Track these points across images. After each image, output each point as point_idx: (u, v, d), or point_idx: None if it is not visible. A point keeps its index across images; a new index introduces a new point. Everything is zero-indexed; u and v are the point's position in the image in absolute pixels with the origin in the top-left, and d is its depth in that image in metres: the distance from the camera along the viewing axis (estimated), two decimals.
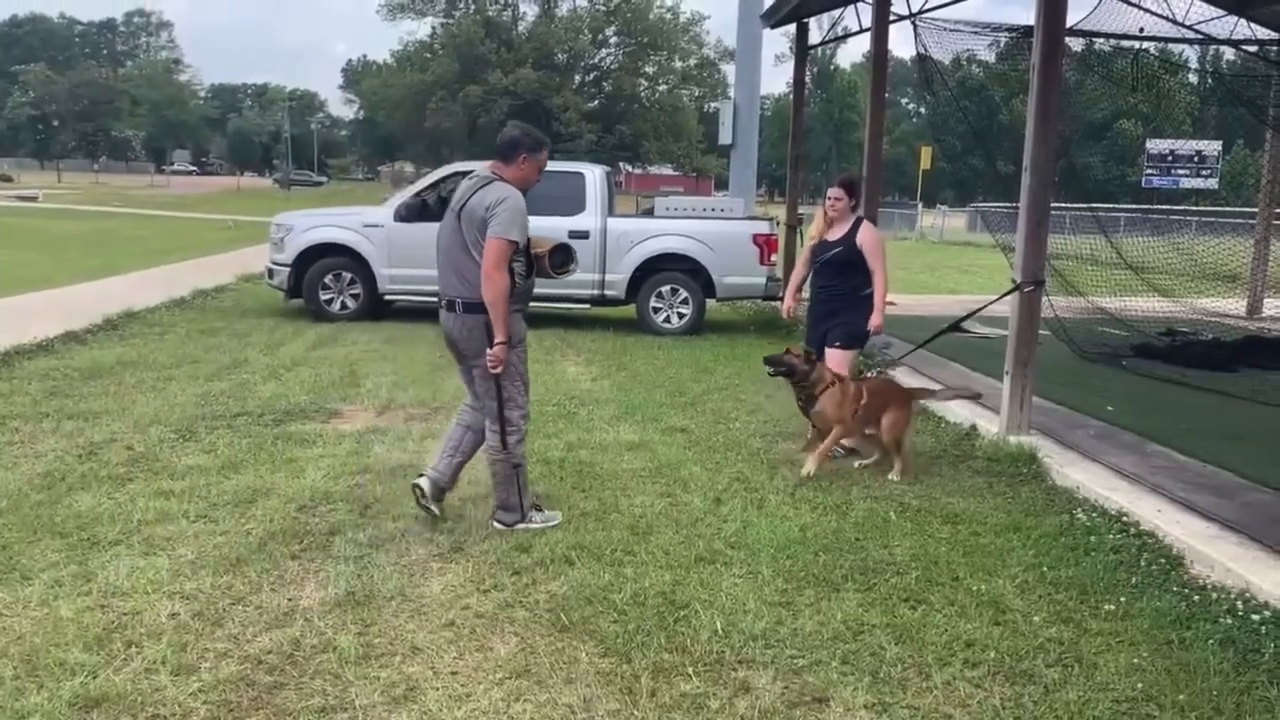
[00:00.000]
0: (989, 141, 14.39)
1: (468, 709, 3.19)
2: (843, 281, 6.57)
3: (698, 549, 4.58)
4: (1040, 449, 6.25)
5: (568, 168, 11.99)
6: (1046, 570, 4.48)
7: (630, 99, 70.63)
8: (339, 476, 5.53)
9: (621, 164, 77.64)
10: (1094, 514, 5.23)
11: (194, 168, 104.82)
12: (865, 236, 6.51)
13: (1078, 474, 5.79)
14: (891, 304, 8.75)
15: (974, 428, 7.03)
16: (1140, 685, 3.45)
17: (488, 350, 4.51)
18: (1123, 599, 4.16)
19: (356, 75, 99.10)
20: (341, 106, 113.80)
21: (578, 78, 71.63)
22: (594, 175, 11.65)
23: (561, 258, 4.92)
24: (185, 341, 9.83)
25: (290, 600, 3.95)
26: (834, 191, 6.65)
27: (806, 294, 7.05)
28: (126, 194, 52.47)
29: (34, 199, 42.98)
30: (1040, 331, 10.63)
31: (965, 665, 3.58)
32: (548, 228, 11.28)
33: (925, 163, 45.72)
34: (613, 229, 11.51)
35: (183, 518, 4.79)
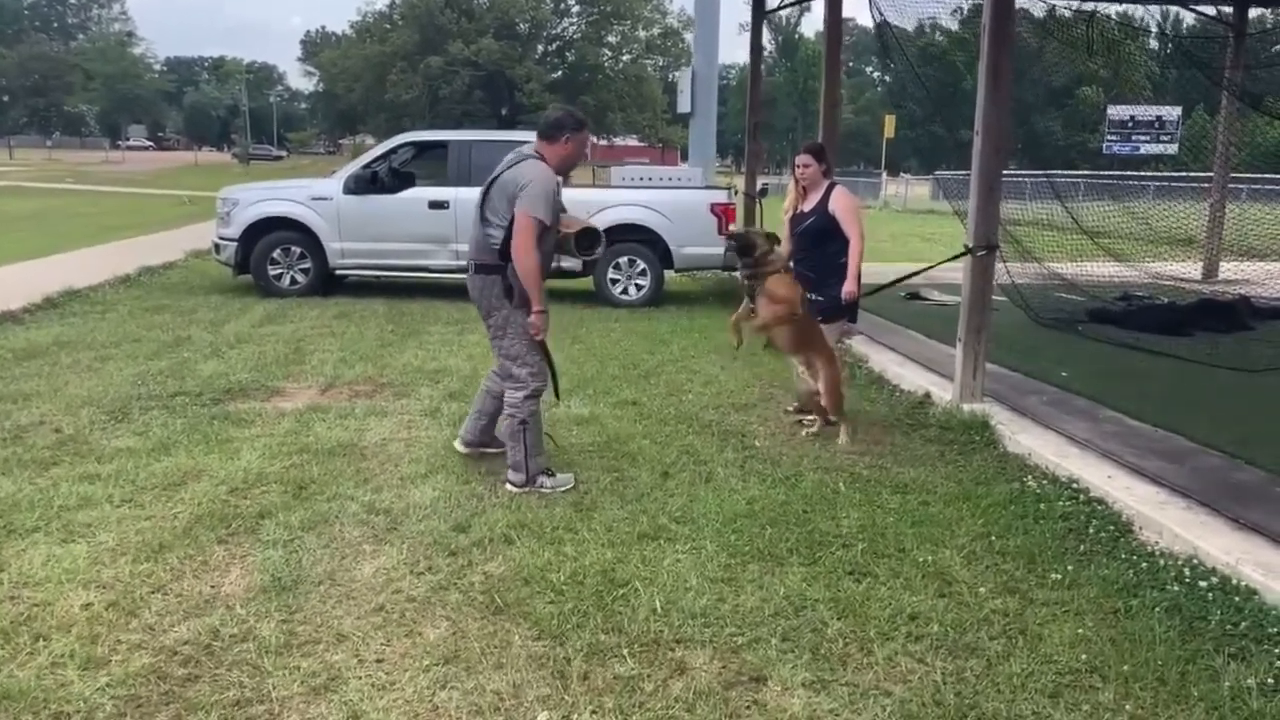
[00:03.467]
0: (951, 108, 14.28)
1: (390, 698, 3.07)
2: (820, 251, 6.40)
3: (641, 525, 4.47)
4: (993, 416, 6.19)
5: (519, 137, 11.74)
6: (995, 539, 4.41)
7: (594, 69, 70.03)
8: (275, 457, 5.36)
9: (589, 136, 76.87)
10: (1044, 481, 5.17)
11: (150, 143, 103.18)
12: (838, 201, 6.36)
13: (1029, 441, 5.73)
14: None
15: (928, 395, 6.96)
16: (1085, 656, 3.39)
17: (523, 319, 4.88)
18: (1070, 567, 4.10)
19: (315, 47, 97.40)
20: (301, 79, 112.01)
21: (540, 48, 70.89)
22: None
23: (588, 240, 5.16)
24: (127, 320, 9.57)
25: (213, 587, 3.80)
26: (802, 159, 6.52)
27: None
28: (80, 170, 51.41)
29: None
30: (997, 298, 10.63)
31: (908, 639, 3.50)
32: None
33: (889, 131, 45.73)
34: (568, 199, 11.19)
35: (107, 502, 4.61)
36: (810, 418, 6.27)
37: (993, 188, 6.34)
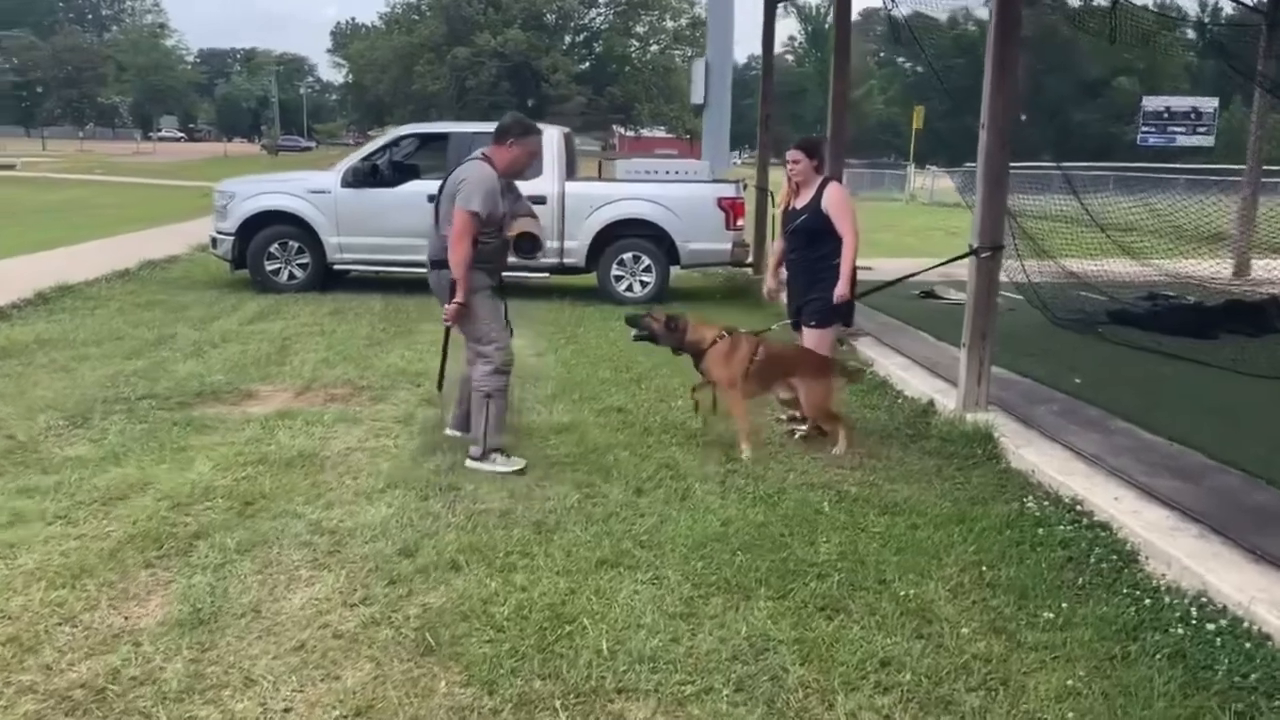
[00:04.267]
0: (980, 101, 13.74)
1: None
2: (813, 250, 6.06)
3: (603, 550, 4.15)
4: (997, 428, 5.81)
5: None
6: (985, 570, 4.05)
7: (621, 60, 69.79)
8: (229, 468, 5.08)
9: (615, 127, 76.79)
10: (1046, 502, 4.79)
11: (182, 134, 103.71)
12: (831, 198, 6.00)
13: (1034, 456, 5.35)
14: (867, 268, 8.28)
15: (931, 404, 6.59)
16: (1072, 714, 3.03)
17: (474, 303, 5.12)
18: (1065, 604, 3.74)
19: (345, 39, 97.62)
20: (331, 71, 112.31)
21: (567, 38, 70.65)
22: (551, 137, 11.09)
23: (528, 245, 5.31)
24: (115, 316, 9.35)
25: (126, 619, 3.52)
26: (791, 154, 6.14)
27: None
28: (110, 161, 51.70)
29: (11, 167, 42.29)
30: (1013, 296, 10.22)
31: (876, 690, 3.15)
32: None
33: (918, 122, 44.96)
34: (571, 193, 11.00)
35: (39, 519, 4.34)
36: (802, 427, 5.93)
37: (999, 183, 5.95)
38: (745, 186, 11.70)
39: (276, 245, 11.18)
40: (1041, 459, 5.30)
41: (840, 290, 5.92)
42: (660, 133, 76.44)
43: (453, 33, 63.66)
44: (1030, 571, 4.03)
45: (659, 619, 3.56)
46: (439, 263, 5.17)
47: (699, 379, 5.82)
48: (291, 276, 11.23)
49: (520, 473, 5.11)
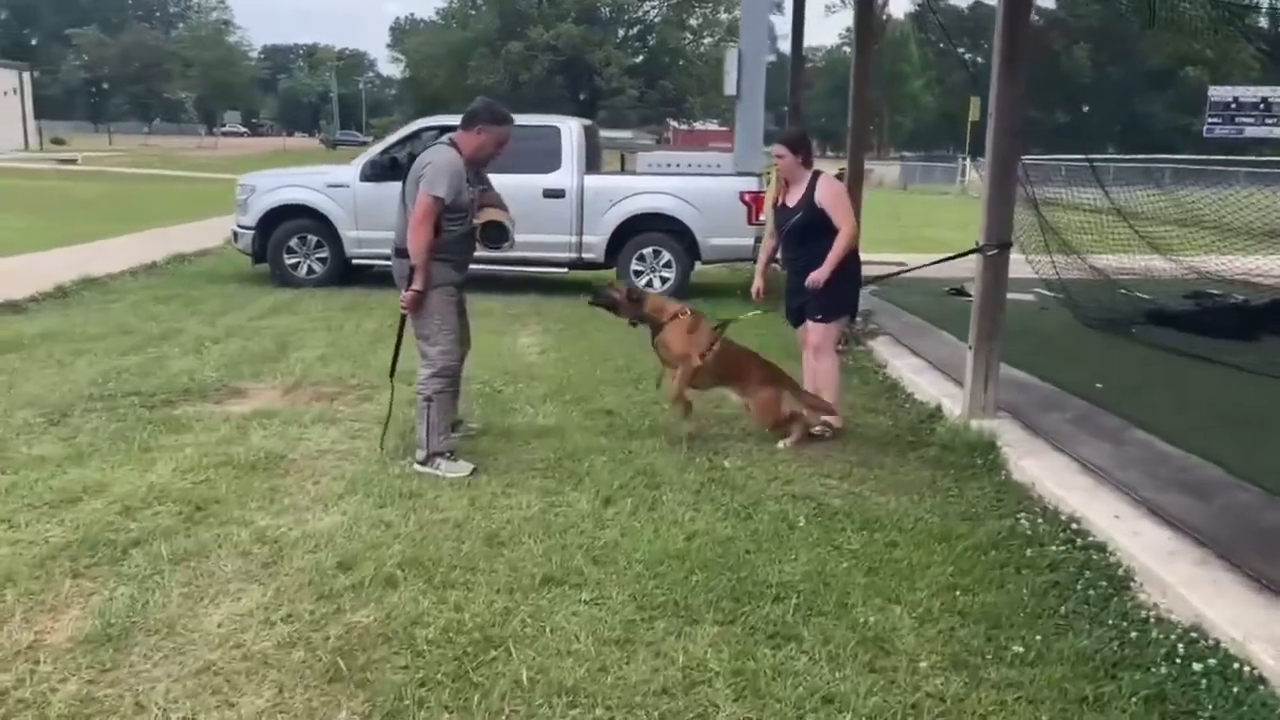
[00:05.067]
0: (1046, 91, 13.37)
1: None
2: (809, 248, 5.73)
3: (551, 566, 3.91)
4: (1002, 436, 5.47)
5: (542, 121, 11.23)
6: (960, 595, 3.74)
7: (674, 53, 69.28)
8: (190, 471, 4.93)
9: (668, 120, 76.47)
10: (1040, 519, 4.46)
11: (244, 129, 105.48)
12: (824, 192, 5.70)
13: (1036, 467, 5.01)
14: (900, 264, 7.95)
15: (938, 409, 6.25)
16: None
17: (434, 299, 4.98)
18: (1039, 637, 3.41)
19: (403, 34, 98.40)
20: (389, 66, 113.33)
21: (621, 32, 70.36)
22: (570, 129, 10.91)
23: (495, 234, 5.13)
24: (128, 311, 9.33)
25: (37, 634, 3.36)
26: (776, 148, 5.90)
27: None
28: (172, 156, 52.67)
29: (73, 161, 43.22)
30: (1044, 293, 9.79)
31: None
32: (521, 186, 10.64)
33: (973, 114, 44.02)
34: (590, 187, 10.78)
35: None
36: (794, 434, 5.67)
37: (1007, 177, 5.60)
38: (769, 180, 11.36)
39: (296, 239, 11.12)
40: (1044, 471, 4.96)
41: (818, 275, 5.58)
42: (713, 125, 75.88)
43: (506, 27, 63.69)
44: (1009, 598, 3.72)
45: (592, 645, 3.32)
46: (402, 250, 5.02)
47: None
48: (310, 271, 11.17)
49: (473, 475, 4.94)
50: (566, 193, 10.66)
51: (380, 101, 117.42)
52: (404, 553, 4.00)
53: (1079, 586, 3.80)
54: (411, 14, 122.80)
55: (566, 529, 4.31)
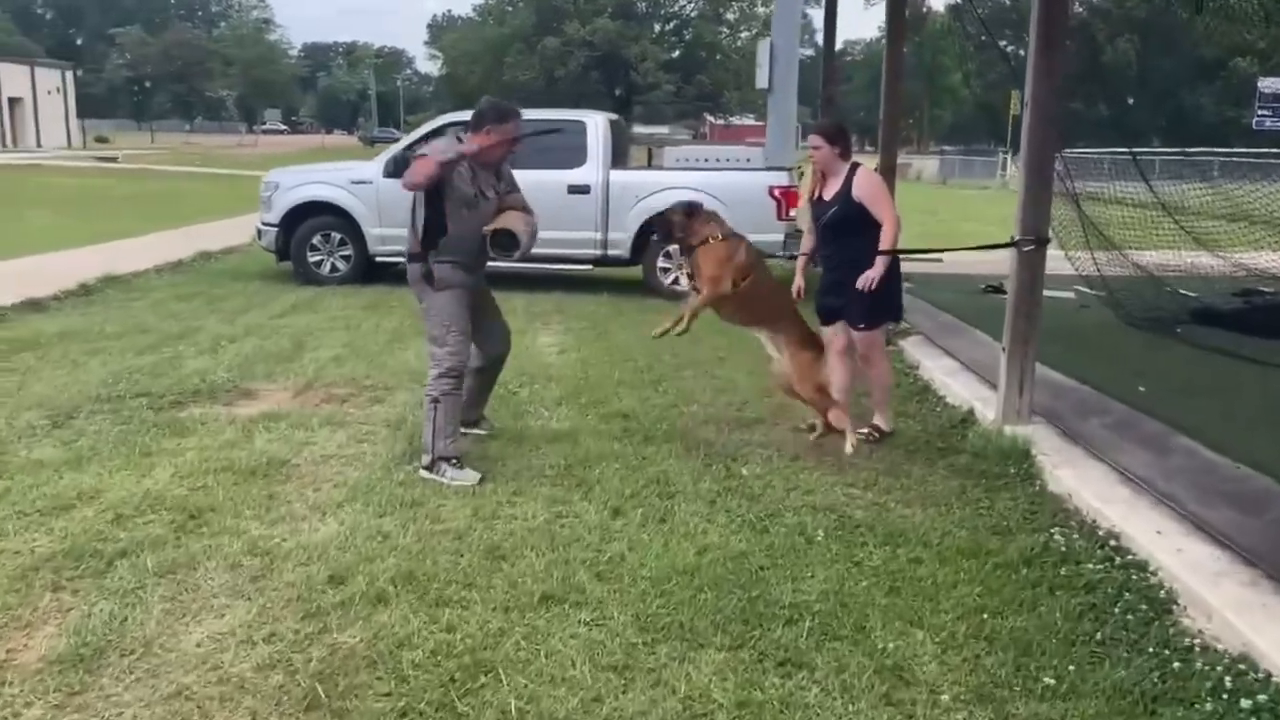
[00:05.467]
0: (1091, 83, 13.12)
1: None
2: (846, 244, 5.46)
3: (551, 583, 3.70)
4: (1037, 443, 5.19)
5: (567, 116, 11.04)
6: (987, 618, 3.48)
7: (711, 48, 68.93)
8: (189, 476, 4.78)
9: (705, 115, 76.13)
10: (1077, 535, 4.19)
11: (284, 127, 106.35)
12: (862, 184, 5.39)
13: (1073, 478, 4.73)
14: (937, 259, 7.67)
15: (971, 413, 5.98)
16: None
17: (440, 302, 4.94)
18: (1073, 667, 3.15)
19: (440, 31, 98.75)
20: (427, 63, 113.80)
21: (657, 27, 70.09)
22: (596, 124, 10.69)
23: (506, 241, 4.93)
24: (148, 310, 9.25)
25: (7, 654, 3.19)
26: (812, 139, 5.59)
27: None
28: (212, 154, 53.11)
29: (114, 159, 43.71)
30: (1084, 290, 9.43)
31: None
32: (545, 182, 10.46)
33: (1014, 108, 43.29)
34: (615, 183, 10.56)
35: None
36: (814, 424, 5.46)
37: (1044, 169, 5.31)
38: (800, 174, 11.09)
39: (319, 237, 11.01)
40: (1081, 481, 4.68)
41: (870, 274, 5.28)
42: (750, 120, 75.41)
43: (542, 23, 63.73)
44: (1041, 622, 3.46)
45: (588, 671, 3.10)
46: (414, 255, 4.97)
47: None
48: (334, 269, 11.06)
49: (479, 484, 4.76)
50: (591, 188, 10.46)
51: (418, 98, 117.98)
52: (399, 566, 3.81)
53: (1117, 610, 3.53)
54: (449, 11, 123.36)
55: (571, 542, 4.10)
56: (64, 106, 60.83)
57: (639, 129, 72.71)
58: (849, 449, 5.30)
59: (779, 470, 5.04)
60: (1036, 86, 5.20)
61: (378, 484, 4.72)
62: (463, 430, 5.20)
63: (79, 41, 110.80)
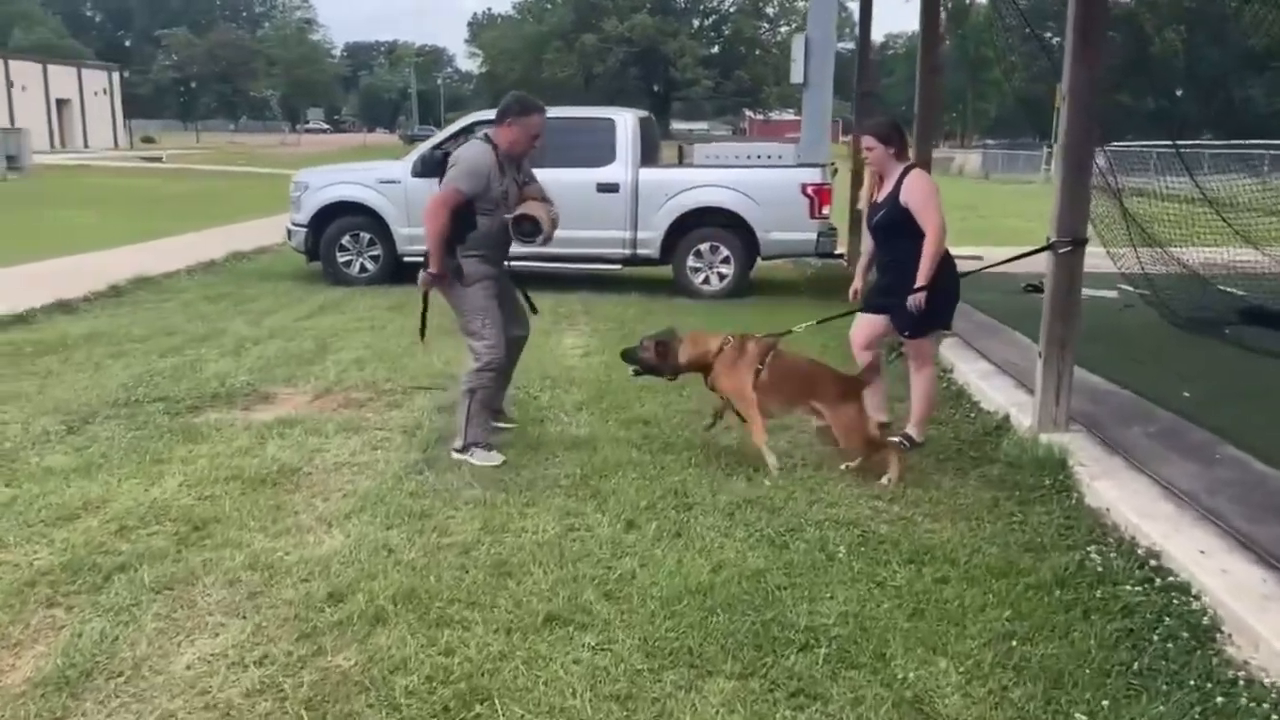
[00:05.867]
0: (1139, 75, 12.78)
1: None
2: (895, 248, 5.30)
3: (558, 602, 3.55)
4: (1076, 453, 4.95)
5: (596, 114, 10.89)
6: (1018, 644, 3.28)
7: (750, 43, 68.49)
8: (197, 485, 4.69)
9: (745, 111, 75.72)
10: (1114, 554, 3.96)
11: (327, 126, 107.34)
12: (910, 188, 5.17)
13: (1112, 491, 4.49)
14: (976, 258, 7.42)
15: (1006, 420, 5.75)
16: None
17: (468, 292, 5.03)
18: (1107, 701, 2.95)
19: (481, 29, 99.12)
20: (467, 61, 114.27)
21: (696, 22, 69.75)
22: (625, 122, 10.52)
23: (528, 228, 5.06)
24: (176, 311, 9.25)
25: None
26: (865, 140, 5.45)
27: None
28: (255, 153, 53.65)
29: (158, 159, 44.29)
30: (1126, 289, 9.11)
31: None
32: (573, 180, 10.32)
33: (1058, 100, 42.54)
34: (645, 181, 10.39)
35: None
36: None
37: (1083, 166, 5.07)
38: (835, 171, 10.87)
39: (348, 237, 10.96)
40: (1121, 495, 4.45)
41: (916, 299, 5.10)
42: (790, 115, 74.87)
43: (581, 20, 63.66)
44: (1073, 650, 3.25)
45: (588, 701, 2.95)
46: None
47: (718, 401, 5.28)
48: (363, 269, 11.00)
49: (498, 467, 4.97)
50: (620, 187, 10.31)
51: (459, 96, 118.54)
52: (401, 583, 3.68)
53: (1156, 637, 3.32)
54: (489, 9, 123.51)
55: (582, 557, 3.94)
56: (110, 107, 61.77)
57: (678, 125, 72.47)
58: (889, 479, 4.87)
59: (802, 481, 4.85)
60: (1074, 78, 4.97)
61: (388, 494, 4.60)
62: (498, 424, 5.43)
63: (127, 43, 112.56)
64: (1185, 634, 3.31)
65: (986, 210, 22.15)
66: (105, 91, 61.06)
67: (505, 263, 5.34)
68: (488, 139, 5.08)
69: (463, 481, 4.77)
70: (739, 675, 3.09)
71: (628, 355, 5.41)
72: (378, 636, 3.32)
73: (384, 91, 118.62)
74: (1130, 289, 8.97)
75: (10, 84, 51.13)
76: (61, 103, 56.50)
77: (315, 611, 3.49)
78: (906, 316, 5.25)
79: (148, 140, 66.69)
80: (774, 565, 3.87)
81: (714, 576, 3.76)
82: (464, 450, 5.06)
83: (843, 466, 5.08)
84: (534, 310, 5.68)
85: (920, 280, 5.10)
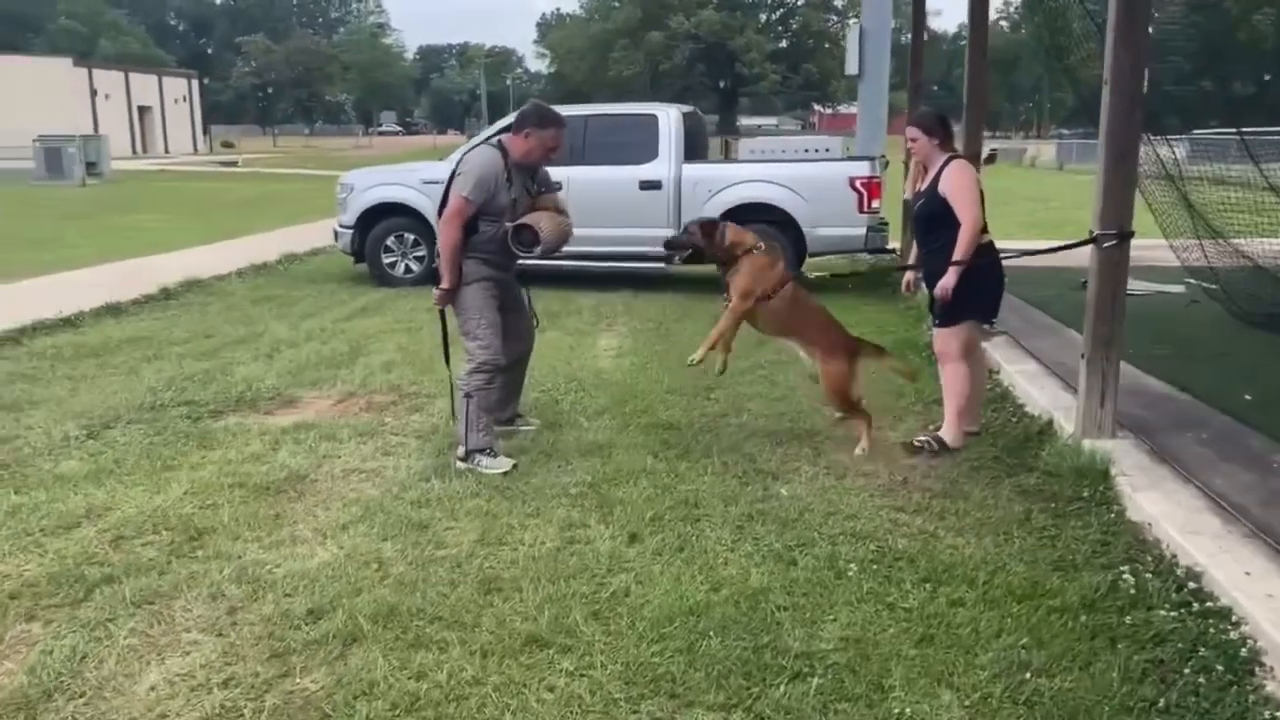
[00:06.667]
0: (1223, 61, 12.23)
1: None
2: (934, 239, 5.19)
3: (542, 622, 3.37)
4: (1119, 461, 4.63)
5: (638, 110, 10.70)
6: (1032, 676, 3.01)
7: (819, 36, 67.66)
8: (201, 493, 4.62)
9: (813, 105, 74.92)
10: (1150, 573, 3.65)
11: (399, 128, 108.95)
12: (949, 179, 5.06)
13: (1156, 504, 4.17)
14: (1033, 251, 7.10)
15: (1049, 424, 5.42)
16: None
17: (467, 296, 4.96)
18: None
19: (549, 29, 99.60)
20: (536, 61, 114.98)
21: (763, 16, 69.13)
22: (668, 117, 10.30)
23: (527, 238, 4.91)
24: (222, 313, 9.30)
25: None
26: (909, 131, 5.34)
27: None
28: (328, 156, 54.51)
29: (233, 164, 45.27)
30: (1196, 284, 8.63)
31: None
32: (616, 178, 10.16)
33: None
34: (688, 177, 10.16)
35: None
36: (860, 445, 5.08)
37: (1127, 154, 4.73)
38: (886, 163, 10.52)
39: (393, 238, 10.93)
40: (1165, 508, 4.12)
41: (945, 282, 4.99)
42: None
43: (647, 17, 63.48)
44: (1094, 683, 2.97)
45: None
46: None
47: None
48: (408, 270, 10.97)
49: (507, 473, 4.83)
50: (663, 184, 10.10)
51: (528, 97, 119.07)
52: (384, 600, 3.53)
53: (1187, 670, 3.02)
54: (557, 9, 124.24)
55: (576, 573, 3.76)
56: (190, 113, 63.36)
57: (745, 120, 71.89)
58: (860, 449, 5.08)
59: (821, 490, 4.61)
60: (1117, 62, 4.63)
61: (390, 503, 4.48)
62: (499, 429, 5.25)
63: (209, 51, 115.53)
64: (1220, 666, 3.01)
65: (1058, 202, 21.45)
66: (184, 98, 62.67)
67: (511, 269, 5.21)
68: (499, 145, 4.98)
69: (468, 489, 4.62)
70: (721, 707, 2.88)
71: (672, 243, 5.43)
72: (351, 657, 3.18)
73: (454, 93, 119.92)
74: (1196, 283, 8.51)
75: (94, 92, 52.75)
76: (143, 110, 58.13)
77: (292, 629, 3.36)
78: (937, 305, 5.16)
79: (227, 145, 68.31)
80: (777, 584, 3.65)
81: (711, 595, 3.55)
82: (467, 459, 4.92)
83: (857, 451, 4.97)
84: (537, 323, 5.59)
85: (951, 269, 4.98)
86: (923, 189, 5.30)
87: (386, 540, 4.09)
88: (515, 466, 4.90)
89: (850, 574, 3.71)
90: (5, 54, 55.68)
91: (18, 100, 45.21)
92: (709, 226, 5.22)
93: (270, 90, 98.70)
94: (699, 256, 5.35)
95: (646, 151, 10.17)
